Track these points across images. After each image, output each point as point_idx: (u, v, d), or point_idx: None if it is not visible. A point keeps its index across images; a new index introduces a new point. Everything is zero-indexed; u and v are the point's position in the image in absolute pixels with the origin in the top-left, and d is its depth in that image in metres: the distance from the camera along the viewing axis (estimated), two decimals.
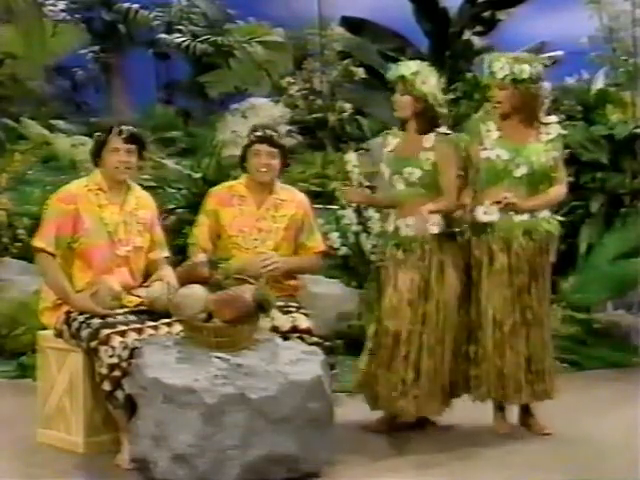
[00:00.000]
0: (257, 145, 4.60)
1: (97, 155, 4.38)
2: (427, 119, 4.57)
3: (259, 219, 4.62)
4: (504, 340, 4.50)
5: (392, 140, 4.68)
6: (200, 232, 4.64)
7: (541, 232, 4.54)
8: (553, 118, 4.68)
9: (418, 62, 4.67)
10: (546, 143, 4.59)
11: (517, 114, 4.57)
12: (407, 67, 4.59)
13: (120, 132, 4.32)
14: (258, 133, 4.63)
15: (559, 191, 4.63)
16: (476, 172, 4.58)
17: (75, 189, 4.37)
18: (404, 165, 4.56)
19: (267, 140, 4.60)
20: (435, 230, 4.49)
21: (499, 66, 4.53)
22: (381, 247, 4.77)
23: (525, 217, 4.52)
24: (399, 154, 4.62)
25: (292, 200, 4.71)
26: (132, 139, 4.34)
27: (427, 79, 4.56)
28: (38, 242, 4.29)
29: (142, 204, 4.47)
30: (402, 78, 4.55)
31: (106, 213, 4.33)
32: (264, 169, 4.58)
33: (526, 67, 4.51)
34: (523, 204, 4.49)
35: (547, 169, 4.57)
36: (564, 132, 4.75)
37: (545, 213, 4.60)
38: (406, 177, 4.55)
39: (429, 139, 4.57)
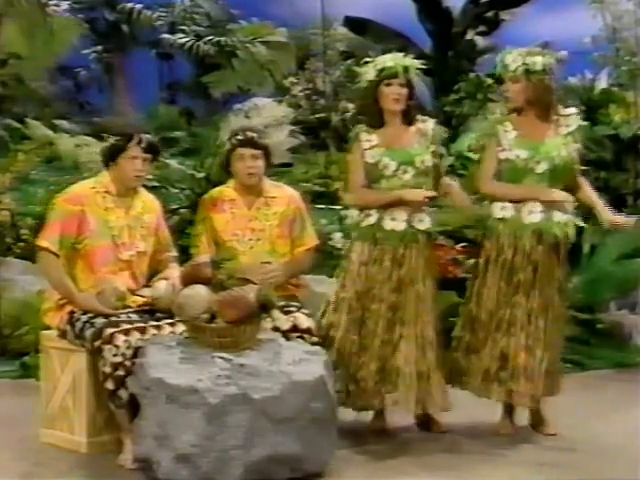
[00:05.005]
0: (240, 149, 4.60)
1: (112, 159, 4.34)
2: (413, 109, 4.63)
3: (251, 220, 4.63)
4: (488, 334, 4.51)
5: (369, 136, 4.61)
6: (200, 242, 4.65)
7: (552, 235, 4.49)
8: (572, 110, 4.67)
9: (398, 54, 4.70)
10: (565, 136, 4.57)
11: (531, 108, 4.55)
12: (403, 59, 4.63)
13: (140, 141, 4.30)
14: (239, 137, 4.62)
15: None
16: (496, 173, 4.57)
17: (81, 190, 4.35)
18: (413, 154, 4.55)
19: (249, 143, 4.60)
20: (426, 225, 4.53)
21: (511, 59, 4.53)
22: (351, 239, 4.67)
23: (536, 219, 4.48)
24: (397, 145, 4.57)
25: (283, 196, 4.72)
26: (150, 149, 4.34)
27: (416, 71, 4.65)
28: (42, 242, 4.28)
29: (148, 208, 4.47)
30: (406, 70, 4.58)
31: (112, 216, 4.32)
32: (250, 171, 4.60)
33: (539, 59, 4.51)
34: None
35: (569, 162, 4.55)
36: (584, 123, 4.72)
37: (561, 216, 4.51)
38: (418, 166, 4.54)
39: (428, 127, 4.63)
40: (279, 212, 4.66)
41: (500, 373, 4.51)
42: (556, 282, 4.54)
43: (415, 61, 4.65)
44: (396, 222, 4.50)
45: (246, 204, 4.66)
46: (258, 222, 4.63)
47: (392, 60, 4.61)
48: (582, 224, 4.64)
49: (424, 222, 4.54)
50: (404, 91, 4.57)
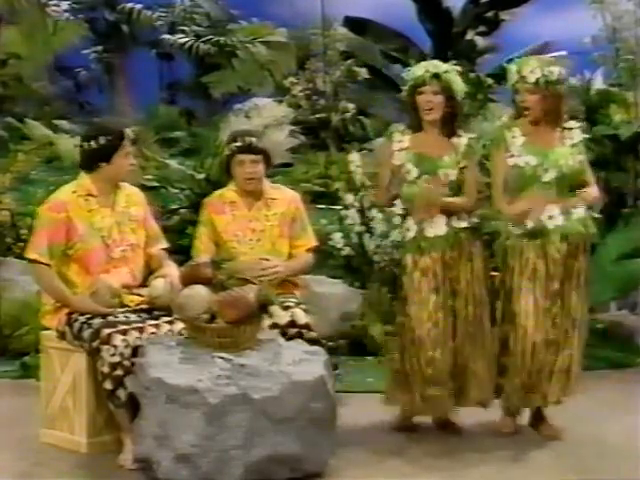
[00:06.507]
0: (239, 155, 4.62)
1: (106, 159, 4.31)
2: (454, 120, 4.58)
3: (252, 220, 4.66)
4: (537, 348, 4.44)
5: (402, 137, 4.60)
6: (201, 242, 4.69)
7: (576, 234, 4.49)
8: (574, 123, 4.65)
9: (436, 61, 4.67)
10: (571, 147, 4.56)
11: (545, 118, 4.52)
12: (436, 66, 4.57)
13: (129, 137, 4.33)
14: (238, 143, 4.63)
15: (594, 190, 4.60)
16: (503, 179, 4.54)
17: (64, 196, 4.33)
18: (438, 166, 4.52)
19: (248, 149, 4.61)
20: (463, 224, 4.53)
21: (529, 69, 4.47)
22: (399, 255, 4.64)
23: (560, 221, 4.46)
24: (425, 153, 4.55)
25: (283, 198, 4.75)
26: (135, 141, 4.39)
27: (456, 77, 4.58)
28: (31, 253, 4.28)
29: (132, 201, 4.47)
30: (437, 77, 4.52)
31: (97, 218, 4.31)
32: (249, 176, 4.62)
33: (555, 68, 4.50)
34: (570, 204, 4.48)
35: (575, 172, 4.54)
36: (587, 136, 4.73)
37: (580, 213, 4.53)
38: (441, 178, 4.51)
39: (461, 143, 4.58)
40: (279, 213, 4.69)
41: (559, 379, 4.50)
42: (578, 279, 4.53)
43: (452, 67, 4.59)
44: (437, 228, 4.50)
45: (247, 206, 4.69)
46: (258, 223, 4.66)
47: (423, 67, 4.56)
48: (597, 215, 4.66)
49: (462, 220, 4.54)
50: (438, 99, 4.51)
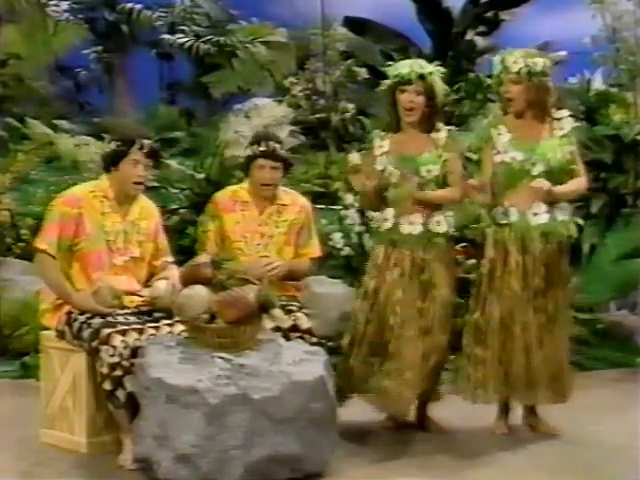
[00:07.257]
0: (261, 160, 4.59)
1: (114, 164, 4.33)
2: (434, 117, 4.58)
3: (261, 224, 4.64)
4: (514, 341, 4.45)
5: (382, 142, 4.61)
6: (207, 238, 4.67)
7: (558, 236, 4.50)
8: (564, 112, 4.64)
9: (421, 60, 4.66)
10: (561, 138, 4.55)
11: (529, 110, 4.53)
12: (422, 66, 4.56)
13: (142, 146, 4.31)
14: (262, 148, 4.60)
15: (581, 182, 4.60)
16: (492, 176, 4.53)
17: (80, 193, 4.36)
18: (419, 164, 4.52)
19: (271, 155, 4.59)
20: (443, 228, 4.52)
21: (512, 60, 4.49)
22: (372, 242, 4.71)
23: (543, 220, 4.47)
24: (405, 154, 4.55)
25: (295, 204, 4.73)
26: (151, 154, 4.35)
27: (439, 79, 4.58)
28: (40, 243, 4.29)
29: (145, 214, 4.47)
30: (422, 78, 4.51)
31: (107, 221, 4.33)
32: (267, 182, 4.61)
33: (539, 60, 4.51)
34: (553, 191, 4.43)
35: (564, 164, 4.52)
36: (577, 124, 4.72)
37: (563, 216, 4.53)
38: (424, 175, 4.51)
39: (440, 137, 4.57)
40: (289, 220, 4.67)
41: (542, 378, 4.49)
42: (563, 282, 4.56)
43: (436, 68, 4.58)
44: (413, 226, 4.50)
45: (258, 208, 4.67)
46: (268, 228, 4.64)
47: (409, 66, 4.55)
48: (581, 221, 4.65)
49: (441, 225, 4.53)
50: (419, 99, 4.51)
